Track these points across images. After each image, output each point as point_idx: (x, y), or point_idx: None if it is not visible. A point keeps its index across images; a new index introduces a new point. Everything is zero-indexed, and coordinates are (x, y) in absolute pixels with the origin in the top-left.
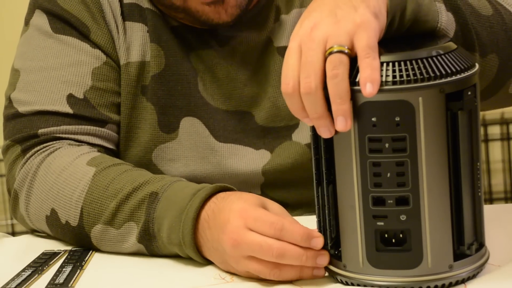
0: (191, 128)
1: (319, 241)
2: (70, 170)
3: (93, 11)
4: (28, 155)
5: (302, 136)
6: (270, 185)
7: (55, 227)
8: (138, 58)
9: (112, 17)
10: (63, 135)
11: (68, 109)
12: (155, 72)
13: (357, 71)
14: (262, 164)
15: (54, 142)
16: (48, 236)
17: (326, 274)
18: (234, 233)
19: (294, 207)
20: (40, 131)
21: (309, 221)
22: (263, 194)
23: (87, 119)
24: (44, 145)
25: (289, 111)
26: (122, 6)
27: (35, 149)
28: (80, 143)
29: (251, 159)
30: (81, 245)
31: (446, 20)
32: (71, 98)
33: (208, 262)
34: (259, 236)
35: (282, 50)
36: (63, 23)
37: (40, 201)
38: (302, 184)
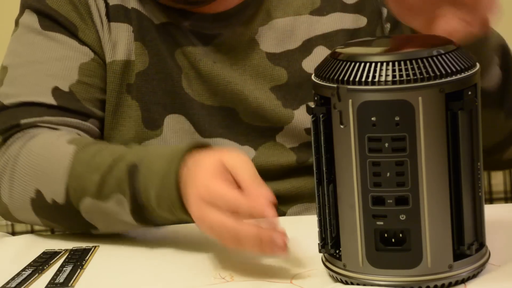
0: (176, 125)
1: (269, 211)
2: (52, 149)
3: (80, 11)
4: (8, 143)
5: (286, 139)
6: None
7: (41, 209)
8: (123, 57)
9: (98, 18)
10: (45, 125)
11: (52, 101)
12: (140, 70)
13: (356, 71)
14: None
15: (34, 128)
16: (48, 236)
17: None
18: (196, 209)
19: (286, 199)
20: (23, 121)
21: (310, 221)
22: None
23: (70, 111)
24: (24, 131)
25: (276, 115)
26: (108, 7)
27: (15, 136)
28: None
29: None
30: (71, 223)
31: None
32: (56, 91)
33: None
34: (217, 214)
35: (272, 57)
36: (52, 21)
37: (24, 184)
38: (291, 176)
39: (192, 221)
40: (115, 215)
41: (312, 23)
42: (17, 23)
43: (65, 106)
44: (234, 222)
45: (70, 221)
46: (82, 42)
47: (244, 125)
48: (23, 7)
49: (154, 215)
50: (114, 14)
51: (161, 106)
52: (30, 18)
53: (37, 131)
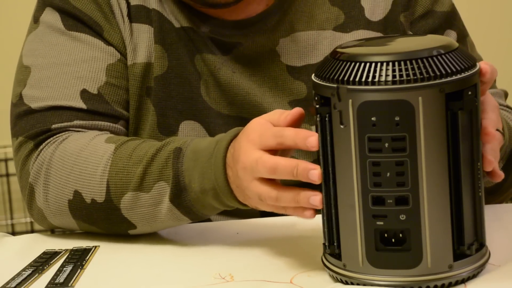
0: (191, 131)
1: (312, 138)
2: (89, 149)
3: (105, 11)
4: (41, 148)
5: (301, 154)
6: None
7: (79, 210)
8: (144, 59)
9: (121, 18)
10: (76, 129)
11: (82, 104)
12: (158, 74)
13: (356, 71)
14: None
15: (65, 132)
16: (48, 236)
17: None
18: (245, 157)
19: None
20: (54, 126)
21: (310, 221)
22: None
23: (100, 114)
24: (55, 136)
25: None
26: (130, 7)
27: (47, 141)
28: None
29: None
30: (109, 223)
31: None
32: (85, 93)
33: (242, 205)
34: (259, 152)
35: (292, 70)
36: (76, 20)
37: (60, 187)
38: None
39: (233, 205)
40: (155, 206)
41: (335, 39)
42: (36, 20)
43: (95, 110)
44: (273, 156)
45: (109, 220)
46: (107, 42)
47: None
48: (44, 5)
49: (193, 199)
50: (136, 14)
51: (177, 112)
52: (52, 17)
53: (68, 134)
